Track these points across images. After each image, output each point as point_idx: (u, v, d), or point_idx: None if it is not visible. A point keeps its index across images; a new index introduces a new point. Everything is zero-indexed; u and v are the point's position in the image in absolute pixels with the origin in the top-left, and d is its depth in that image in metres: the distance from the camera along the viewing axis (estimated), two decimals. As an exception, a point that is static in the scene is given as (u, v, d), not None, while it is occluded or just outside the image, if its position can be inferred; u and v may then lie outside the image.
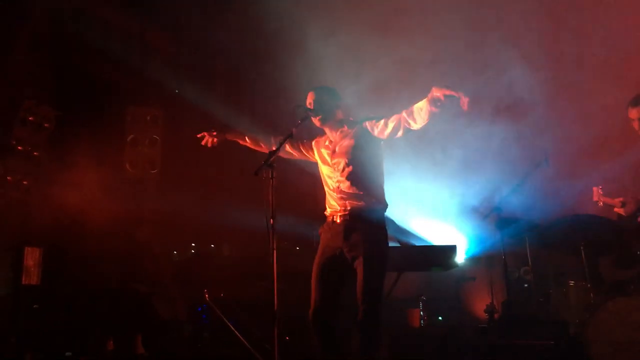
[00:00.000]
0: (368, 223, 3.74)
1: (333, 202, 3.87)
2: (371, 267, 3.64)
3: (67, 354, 5.65)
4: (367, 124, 3.88)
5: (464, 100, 3.26)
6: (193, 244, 7.12)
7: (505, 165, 6.07)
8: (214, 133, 4.19)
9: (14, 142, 5.94)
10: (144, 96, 7.41)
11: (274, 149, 3.82)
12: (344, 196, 3.80)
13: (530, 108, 6.17)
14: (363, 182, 3.79)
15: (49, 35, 6.65)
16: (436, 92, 3.35)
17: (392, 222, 5.41)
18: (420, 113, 3.51)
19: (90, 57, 6.80)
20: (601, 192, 5.17)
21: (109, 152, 6.99)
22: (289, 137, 3.87)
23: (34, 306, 5.94)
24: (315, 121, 3.95)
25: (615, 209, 5.09)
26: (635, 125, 4.82)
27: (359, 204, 3.76)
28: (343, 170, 3.83)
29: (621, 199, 5.00)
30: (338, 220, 3.80)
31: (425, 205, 6.24)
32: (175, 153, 7.41)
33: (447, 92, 3.31)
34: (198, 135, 4.24)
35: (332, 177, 3.90)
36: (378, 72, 5.78)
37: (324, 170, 4.00)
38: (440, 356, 5.27)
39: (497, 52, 6.10)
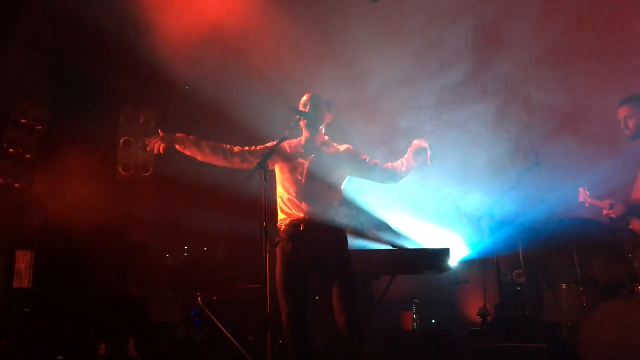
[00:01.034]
0: (333, 230, 3.81)
1: (294, 210, 3.84)
2: (345, 272, 3.71)
3: (59, 357, 5.62)
4: (352, 152, 4.00)
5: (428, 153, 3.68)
6: (186, 247, 7.09)
7: (498, 168, 6.10)
8: (161, 137, 3.94)
9: (6, 145, 5.92)
10: (137, 98, 7.38)
11: (237, 163, 3.94)
12: (309, 203, 3.80)
13: (521, 111, 6.20)
14: (330, 192, 3.86)
15: (42, 36, 6.62)
16: (414, 145, 3.75)
17: (388, 226, 5.42)
18: (402, 168, 3.85)
19: (83, 58, 6.76)
20: (587, 193, 5.20)
21: (101, 154, 6.95)
22: (284, 140, 3.86)
23: (25, 309, 5.91)
24: (303, 125, 3.94)
25: (604, 212, 5.11)
26: (621, 124, 4.90)
27: (325, 212, 3.80)
28: (314, 179, 3.83)
29: (609, 200, 5.02)
30: (302, 227, 3.80)
31: (418, 208, 6.25)
32: (169, 155, 7.37)
33: (423, 144, 3.72)
34: (146, 142, 4.08)
35: (298, 184, 3.86)
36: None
37: (290, 177, 3.91)
38: (433, 359, 5.28)
39: (490, 56, 6.15)
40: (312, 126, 3.94)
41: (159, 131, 3.99)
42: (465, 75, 6.16)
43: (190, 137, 4.02)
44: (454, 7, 6.23)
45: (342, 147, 4.03)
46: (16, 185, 6.04)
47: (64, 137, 6.39)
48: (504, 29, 6.11)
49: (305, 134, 4.00)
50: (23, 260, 5.97)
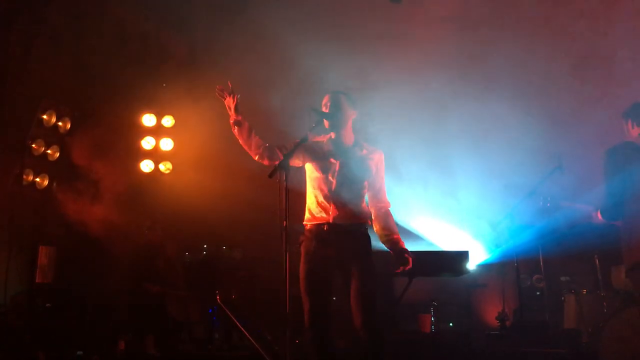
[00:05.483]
0: (358, 234, 3.79)
1: (322, 211, 3.81)
2: (366, 276, 3.67)
3: (79, 353, 5.68)
4: (378, 164, 3.90)
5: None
6: (205, 246, 7.14)
7: (520, 171, 6.05)
8: (232, 96, 3.83)
9: (30, 142, 5.99)
10: (158, 99, 7.46)
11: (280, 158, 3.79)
12: (338, 206, 3.77)
13: (545, 113, 6.15)
14: (358, 196, 3.81)
15: (66, 37, 6.72)
16: (404, 258, 3.75)
17: None
18: (381, 236, 3.87)
19: (107, 59, 6.86)
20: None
21: (123, 152, 7.05)
22: (304, 141, 3.82)
23: (47, 305, 5.98)
24: (327, 125, 3.88)
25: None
26: None
27: (351, 216, 3.77)
28: (345, 181, 3.79)
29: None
30: (326, 229, 3.77)
31: (438, 210, 6.23)
32: (188, 155, 7.46)
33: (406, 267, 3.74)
34: (217, 92, 3.87)
35: (328, 185, 3.81)
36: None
37: (320, 177, 3.86)
38: (451, 362, 5.25)
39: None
40: (336, 126, 3.86)
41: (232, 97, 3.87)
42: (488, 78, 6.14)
43: (246, 123, 3.91)
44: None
45: (374, 154, 3.92)
46: (40, 181, 6.12)
47: (87, 135, 6.47)
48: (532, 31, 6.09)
49: (332, 134, 3.93)
50: (46, 256, 6.05)
